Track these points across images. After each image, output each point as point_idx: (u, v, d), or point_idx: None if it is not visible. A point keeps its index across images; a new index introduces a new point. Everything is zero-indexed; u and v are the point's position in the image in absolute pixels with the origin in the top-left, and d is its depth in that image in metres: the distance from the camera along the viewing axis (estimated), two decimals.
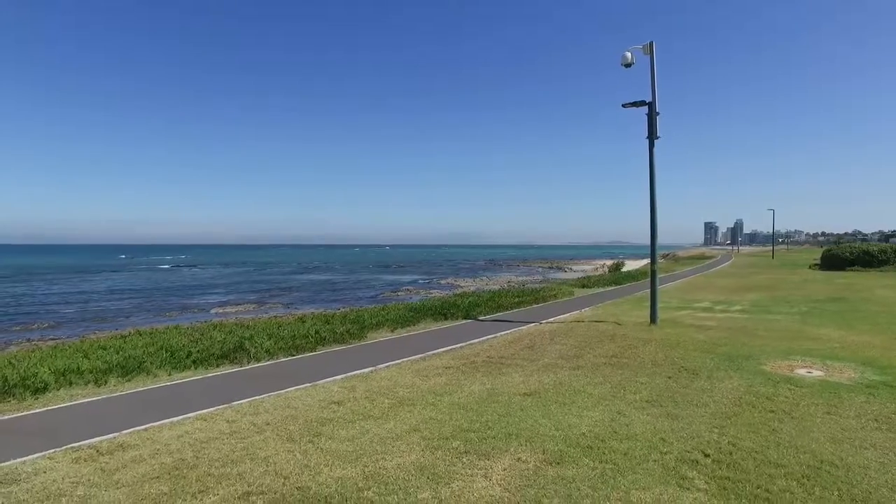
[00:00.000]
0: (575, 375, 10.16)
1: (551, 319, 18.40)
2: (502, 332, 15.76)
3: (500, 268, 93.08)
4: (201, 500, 5.35)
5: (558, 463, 5.96)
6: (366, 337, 15.17)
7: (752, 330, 15.29)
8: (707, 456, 6.07)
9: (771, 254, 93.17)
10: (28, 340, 22.48)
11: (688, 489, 5.26)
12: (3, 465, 6.45)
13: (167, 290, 50.80)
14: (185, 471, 6.09)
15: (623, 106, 17.20)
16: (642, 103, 16.79)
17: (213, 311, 34.62)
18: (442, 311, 19.27)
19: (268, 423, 7.72)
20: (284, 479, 5.76)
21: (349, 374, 10.87)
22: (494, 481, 5.53)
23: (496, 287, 38.90)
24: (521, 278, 60.67)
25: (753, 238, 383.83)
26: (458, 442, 6.69)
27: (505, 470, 5.81)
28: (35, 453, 6.84)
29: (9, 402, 9.30)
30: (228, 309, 34.96)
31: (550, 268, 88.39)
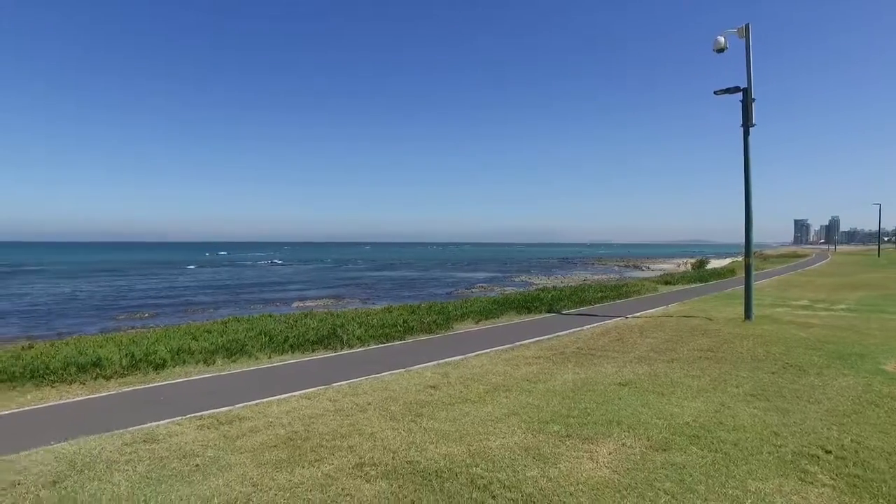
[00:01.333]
0: (670, 367, 9.90)
1: (637, 314, 17.95)
2: (589, 326, 15.56)
3: (575, 266, 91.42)
4: (318, 467, 5.69)
5: (665, 449, 5.86)
6: (452, 328, 15.44)
7: (863, 329, 14.23)
8: (828, 452, 5.75)
9: (877, 252, 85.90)
10: (132, 328, 24.54)
11: (811, 483, 5.03)
12: (143, 427, 7.16)
13: (250, 285, 53.62)
14: (298, 442, 6.48)
15: (715, 93, 16.49)
16: (736, 89, 16.02)
17: (294, 304, 36.22)
18: (525, 304, 19.28)
19: (369, 404, 8.06)
20: (393, 453, 6.01)
21: (440, 361, 11.13)
22: (601, 463, 5.53)
23: (572, 284, 38.30)
24: (597, 276, 59.39)
25: (852, 237, 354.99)
26: (559, 426, 6.72)
27: (611, 454, 5.78)
28: (165, 419, 7.54)
29: (135, 374, 10.27)
30: (308, 303, 36.44)
31: (626, 266, 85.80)
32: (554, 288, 28.05)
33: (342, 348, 12.59)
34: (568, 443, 6.16)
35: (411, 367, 10.58)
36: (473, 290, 44.68)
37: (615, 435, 6.35)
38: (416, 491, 5.09)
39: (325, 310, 26.52)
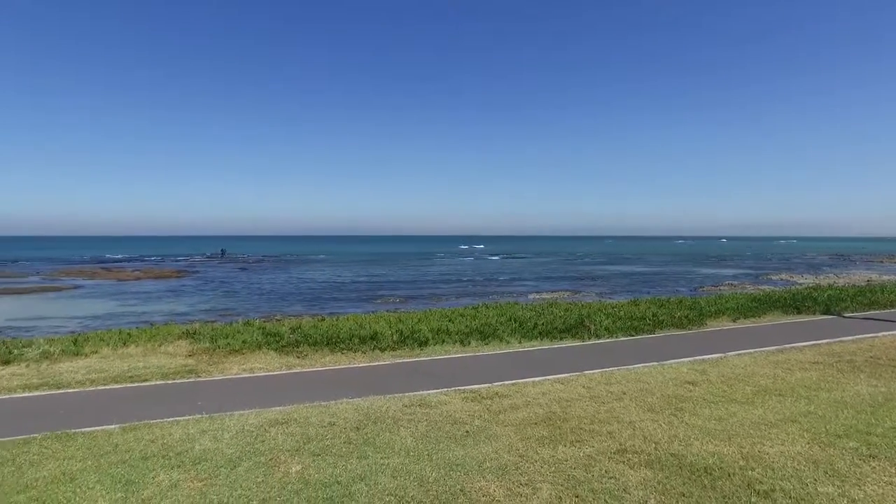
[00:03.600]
0: None
1: None
2: (885, 333, 12.89)
3: (853, 263, 76.15)
4: (579, 448, 5.82)
5: None
6: (705, 324, 14.27)
7: None
8: None
9: None
10: (386, 311, 28.00)
11: None
12: (416, 393, 8.19)
13: (486, 277, 56.65)
14: (557, 422, 6.71)
15: None
16: None
17: (530, 296, 37.16)
18: (792, 303, 16.80)
19: (624, 393, 7.93)
20: (655, 444, 5.84)
21: (696, 357, 10.40)
22: None
23: (854, 284, 31.93)
24: (887, 277, 48.57)
25: None
26: (856, 443, 5.75)
27: None
28: (433, 389, 8.48)
29: (404, 348, 11.73)
30: (544, 295, 37.00)
31: None
32: (829, 287, 23.83)
33: (590, 338, 12.59)
34: (873, 464, 5.24)
35: (665, 362, 10.09)
36: (721, 288, 40.39)
37: None
38: (684, 484, 4.88)
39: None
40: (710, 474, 5.05)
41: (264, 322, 13.29)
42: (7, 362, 9.87)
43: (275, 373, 9.71)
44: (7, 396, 8.18)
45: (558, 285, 46.42)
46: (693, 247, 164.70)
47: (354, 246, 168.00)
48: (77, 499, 4.96)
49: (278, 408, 7.45)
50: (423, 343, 12.01)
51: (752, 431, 6.16)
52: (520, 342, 12.46)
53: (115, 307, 31.45)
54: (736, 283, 45.99)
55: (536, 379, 9.04)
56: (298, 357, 10.71)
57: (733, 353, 10.73)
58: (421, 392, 8.32)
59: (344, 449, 5.94)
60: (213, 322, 24.57)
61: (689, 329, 13.64)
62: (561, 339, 12.65)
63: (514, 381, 8.89)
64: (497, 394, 8.14)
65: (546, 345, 12.17)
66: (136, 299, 35.21)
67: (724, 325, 14.42)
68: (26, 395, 8.28)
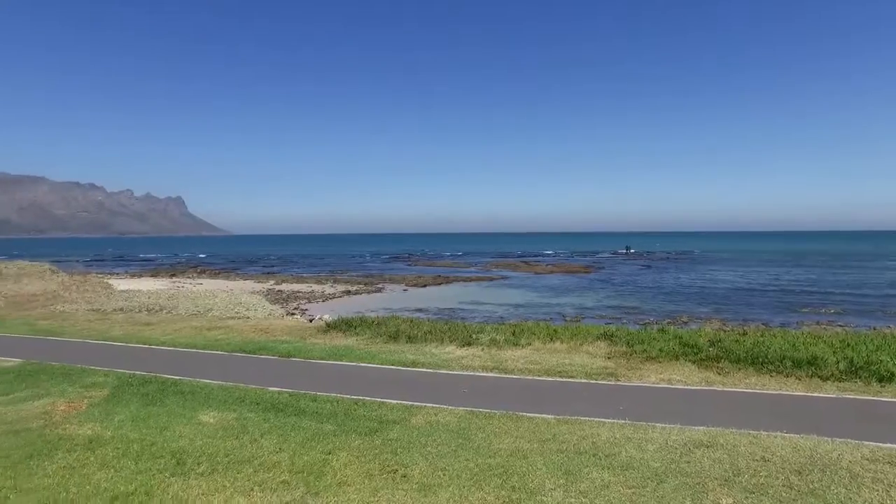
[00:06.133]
0: None
1: None
2: None
3: None
4: None
5: None
6: None
7: None
8: None
9: None
10: (817, 323, 23.21)
11: None
12: (881, 445, 6.58)
13: None
14: None
15: None
16: None
17: None
18: None
19: None
20: None
21: None
22: None
23: None
24: None
25: None
26: None
27: None
28: None
29: (854, 381, 9.42)
30: None
31: None
32: None
33: None
34: None
35: None
36: None
37: None
38: None
39: None
40: None
41: (679, 330, 12.93)
42: (469, 344, 12.52)
43: (694, 387, 9.36)
44: (473, 374, 10.38)
45: None
46: None
47: (761, 243, 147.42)
48: (529, 475, 5.90)
49: (701, 427, 7.18)
50: (885, 378, 9.49)
51: None
52: None
53: (533, 297, 36.04)
54: None
55: None
56: (719, 373, 10.05)
57: None
58: (889, 445, 6.63)
59: (784, 494, 5.31)
60: (619, 319, 25.62)
61: None
62: None
63: None
64: None
65: None
66: (550, 291, 39.50)
67: None
68: (484, 374, 10.33)
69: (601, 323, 22.82)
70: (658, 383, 9.54)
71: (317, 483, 5.73)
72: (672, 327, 13.16)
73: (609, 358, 11.22)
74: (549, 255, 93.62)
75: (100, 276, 44.60)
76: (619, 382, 9.66)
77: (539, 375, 10.17)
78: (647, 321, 25.73)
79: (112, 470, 6.06)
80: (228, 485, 5.69)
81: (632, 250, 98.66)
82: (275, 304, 28.75)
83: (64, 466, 6.18)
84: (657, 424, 7.31)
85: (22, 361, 11.53)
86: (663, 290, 39.69)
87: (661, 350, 11.07)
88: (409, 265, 69.93)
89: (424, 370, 10.63)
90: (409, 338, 13.23)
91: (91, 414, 8.00)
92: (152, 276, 51.90)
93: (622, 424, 7.39)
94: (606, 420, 7.60)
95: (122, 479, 5.81)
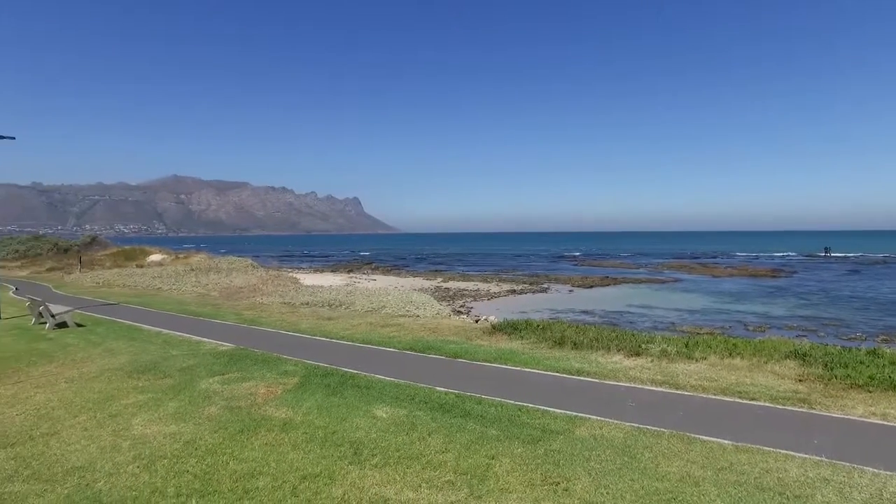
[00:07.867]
0: None
1: None
2: None
3: None
4: None
5: None
6: None
7: None
8: None
9: None
10: None
11: None
12: None
13: None
14: None
15: None
16: None
17: None
18: None
19: None
20: None
21: None
22: None
23: None
24: None
25: None
26: None
27: None
28: None
29: None
30: None
31: None
32: None
33: None
34: None
35: None
36: None
37: None
38: None
39: None
40: None
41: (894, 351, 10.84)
42: (637, 354, 11.86)
43: None
44: (640, 387, 9.82)
45: None
46: None
47: None
48: None
49: None
50: None
51: None
52: None
53: (709, 303, 33.13)
54: None
55: None
56: None
57: None
58: None
59: None
60: (814, 333, 22.35)
61: None
62: None
63: None
64: None
65: None
66: (730, 297, 36.00)
67: None
68: (653, 388, 9.73)
69: (790, 335, 20.30)
70: (867, 417, 8.12)
71: (480, 487, 5.88)
72: (888, 349, 11.08)
73: (800, 381, 9.87)
74: (727, 256, 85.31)
75: (289, 270, 50.43)
76: (812, 411, 8.43)
77: (715, 394, 9.30)
78: (853, 336, 22.26)
79: (301, 452, 6.83)
80: (399, 478, 6.08)
81: (832, 253, 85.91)
82: (442, 301, 30.08)
83: (265, 443, 7.11)
84: (866, 468, 6.26)
85: (233, 346, 13.47)
86: (875, 300, 33.92)
87: (871, 377, 9.36)
88: (574, 265, 68.64)
89: (589, 379, 10.32)
90: (575, 344, 12.94)
91: (285, 399, 9.09)
92: (332, 271, 57.49)
93: (817, 462, 6.46)
94: (796, 454, 6.70)
95: (310, 462, 6.52)
